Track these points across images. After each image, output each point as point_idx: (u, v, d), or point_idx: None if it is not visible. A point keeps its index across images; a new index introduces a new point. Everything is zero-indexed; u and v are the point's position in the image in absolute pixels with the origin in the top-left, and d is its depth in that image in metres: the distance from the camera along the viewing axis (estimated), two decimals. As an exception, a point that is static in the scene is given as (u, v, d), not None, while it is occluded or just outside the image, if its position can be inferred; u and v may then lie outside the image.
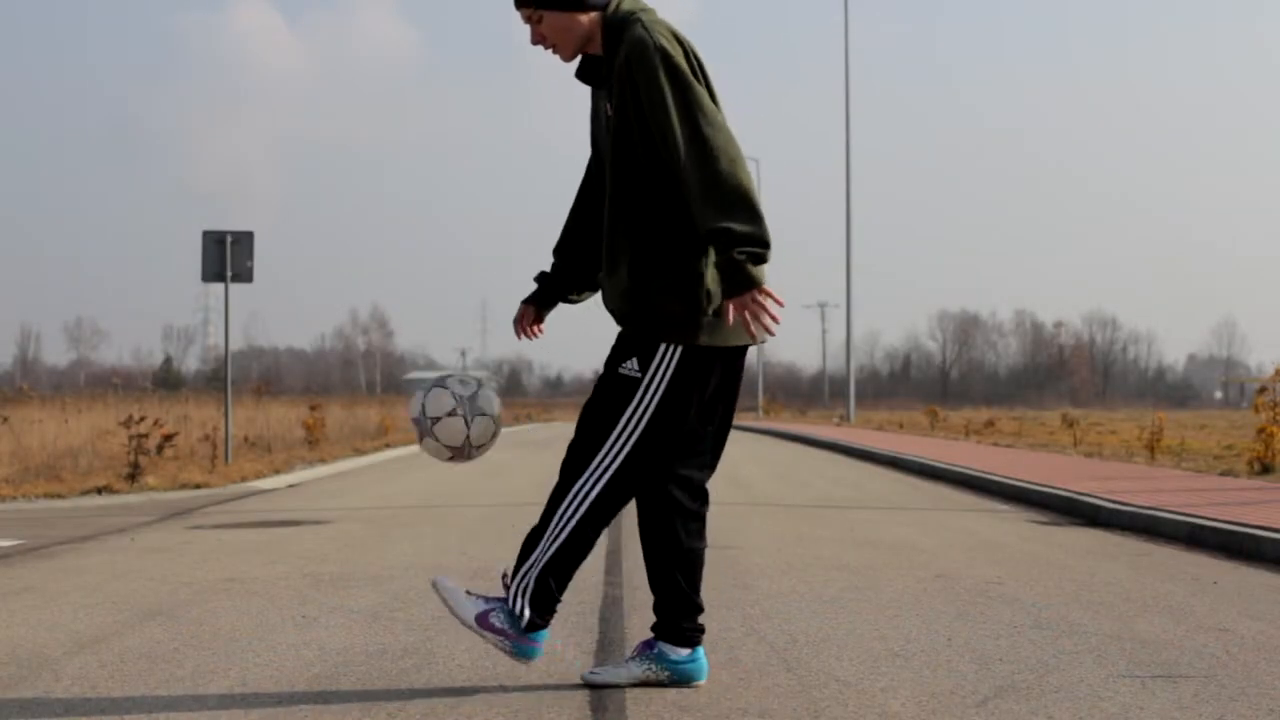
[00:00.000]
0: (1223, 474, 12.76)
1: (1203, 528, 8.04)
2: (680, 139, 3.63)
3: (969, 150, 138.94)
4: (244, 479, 14.22)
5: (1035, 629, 5.04)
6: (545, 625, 3.87)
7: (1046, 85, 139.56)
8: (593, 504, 3.83)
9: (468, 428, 4.00)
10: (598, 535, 3.90)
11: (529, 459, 19.29)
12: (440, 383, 4.08)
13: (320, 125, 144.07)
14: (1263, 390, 13.12)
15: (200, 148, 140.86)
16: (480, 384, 4.10)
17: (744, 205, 3.58)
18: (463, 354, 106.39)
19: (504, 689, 3.99)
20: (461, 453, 4.05)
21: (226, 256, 15.53)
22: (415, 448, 23.77)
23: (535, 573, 3.84)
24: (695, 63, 3.75)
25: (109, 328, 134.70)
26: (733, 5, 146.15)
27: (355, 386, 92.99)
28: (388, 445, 23.42)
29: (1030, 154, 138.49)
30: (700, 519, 4.01)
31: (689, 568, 3.98)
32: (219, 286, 15.84)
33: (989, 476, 12.94)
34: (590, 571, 6.51)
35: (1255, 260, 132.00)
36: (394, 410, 33.30)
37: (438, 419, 4.01)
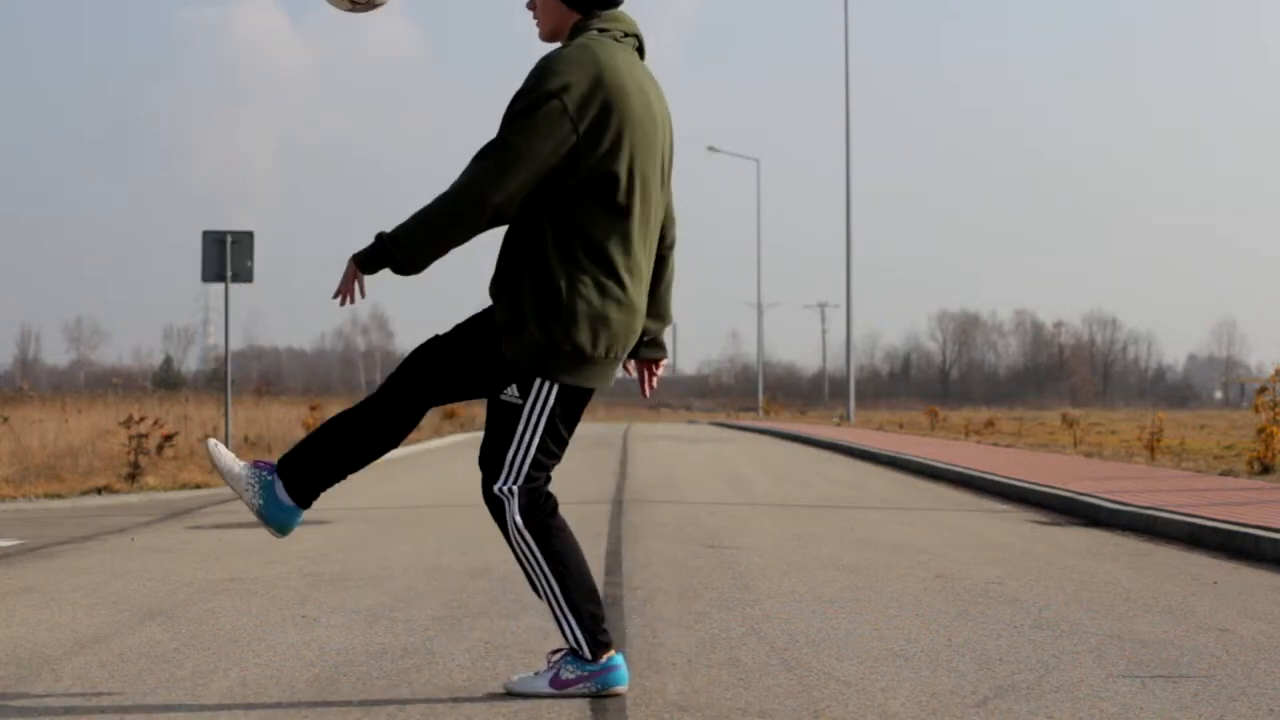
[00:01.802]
0: (1223, 474, 12.76)
1: (1203, 528, 8.04)
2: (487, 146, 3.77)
3: (969, 150, 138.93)
4: (244, 479, 14.21)
5: (1035, 629, 5.04)
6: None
7: (1046, 85, 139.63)
8: (534, 533, 3.89)
9: None
10: (575, 553, 3.93)
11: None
12: None
13: (321, 125, 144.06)
14: (1263, 390, 13.12)
15: (201, 147, 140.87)
16: None
17: (421, 223, 3.77)
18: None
19: (504, 689, 3.99)
20: (357, 4, 4.10)
21: (226, 256, 15.54)
22: (416, 448, 23.77)
23: (570, 612, 3.89)
24: (600, 94, 3.75)
25: (109, 328, 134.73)
26: (733, 5, 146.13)
27: (355, 386, 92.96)
28: (388, 445, 23.39)
29: (1030, 154, 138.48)
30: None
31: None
32: (219, 286, 15.85)
33: (989, 476, 12.94)
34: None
35: (1255, 260, 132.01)
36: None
37: None
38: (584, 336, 3.78)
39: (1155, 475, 12.68)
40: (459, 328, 3.97)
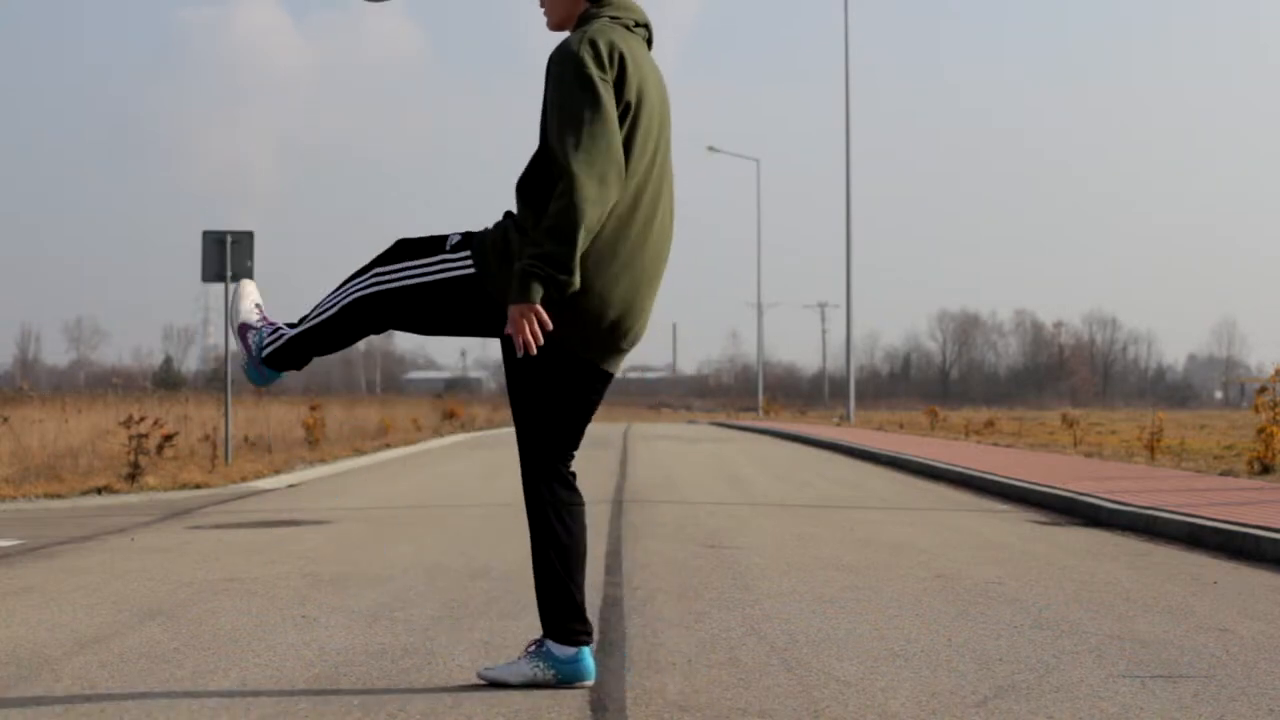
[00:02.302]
0: (1223, 474, 12.75)
1: (1203, 528, 8.04)
2: (554, 152, 3.75)
3: (969, 150, 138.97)
4: (244, 479, 14.22)
5: (1035, 629, 5.04)
6: (277, 372, 4.17)
7: (1046, 85, 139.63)
8: (351, 303, 4.02)
9: None
10: (347, 332, 4.07)
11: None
12: None
13: (321, 125, 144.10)
14: (1263, 390, 13.11)
15: (201, 147, 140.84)
16: None
17: (562, 231, 3.70)
18: (463, 354, 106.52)
19: (504, 689, 3.99)
20: None
21: (226, 256, 15.53)
22: (416, 448, 23.78)
23: (294, 331, 4.11)
24: (625, 76, 3.80)
25: (109, 328, 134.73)
26: (733, 5, 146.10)
27: (355, 386, 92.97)
28: (388, 445, 23.41)
29: (1030, 154, 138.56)
30: (574, 508, 4.03)
31: (565, 559, 3.99)
32: (219, 286, 15.84)
33: (989, 476, 12.94)
34: (590, 572, 6.50)
35: (1255, 260, 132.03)
36: (394, 410, 33.32)
37: None
38: (593, 311, 3.86)
39: (1155, 475, 12.67)
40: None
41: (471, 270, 3.91)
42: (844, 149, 40.66)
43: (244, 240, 15.62)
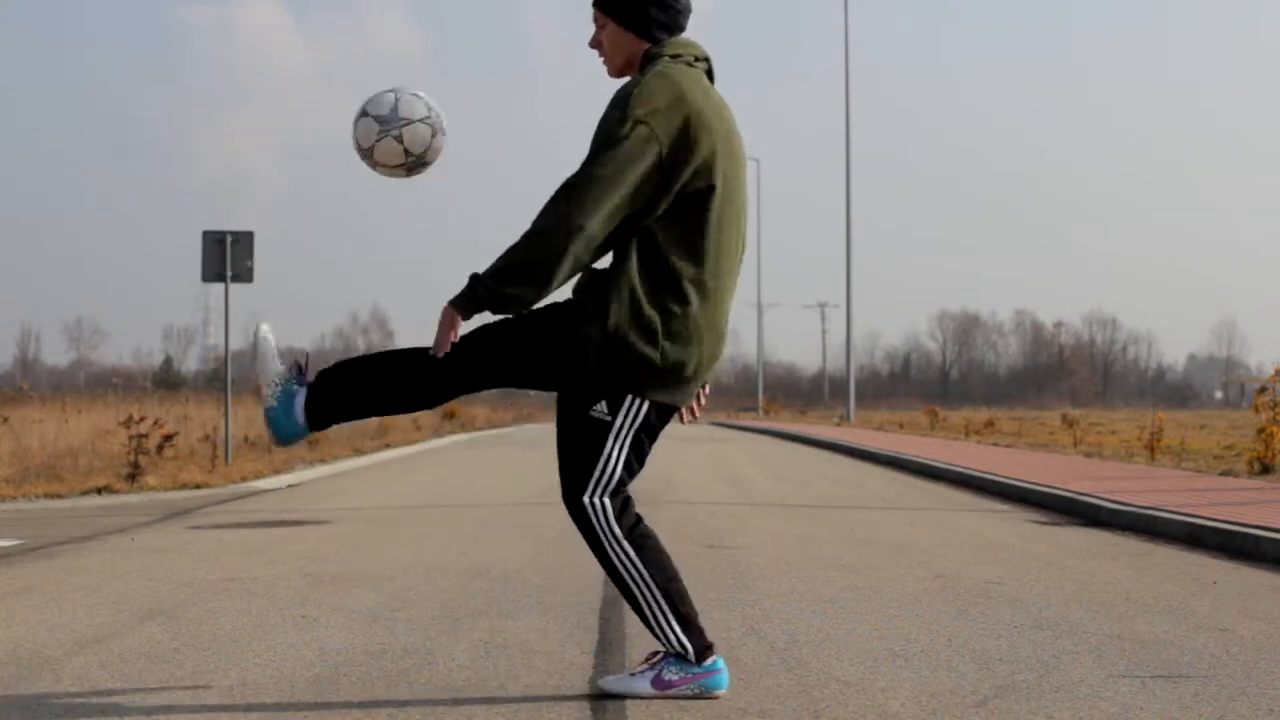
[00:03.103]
0: (1223, 474, 12.76)
1: (1203, 528, 8.04)
2: (566, 188, 3.69)
3: (969, 150, 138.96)
4: (244, 479, 14.22)
5: (1035, 629, 5.04)
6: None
7: (1047, 85, 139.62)
8: (632, 542, 3.86)
9: (401, 143, 3.95)
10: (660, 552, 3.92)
11: (529, 459, 19.30)
12: (361, 113, 3.98)
13: (321, 124, 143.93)
14: (1263, 390, 13.12)
15: (201, 147, 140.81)
16: (398, 96, 3.98)
17: (513, 258, 3.65)
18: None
19: (504, 689, 4.00)
20: (410, 167, 4.00)
21: (226, 256, 15.53)
22: (416, 448, 23.79)
23: (673, 617, 3.88)
24: (681, 120, 3.74)
25: (109, 328, 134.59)
26: (733, 5, 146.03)
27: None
28: (388, 445, 23.42)
29: (1030, 154, 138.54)
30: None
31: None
32: (219, 286, 15.84)
33: (989, 476, 12.94)
34: (591, 572, 6.51)
35: (1255, 260, 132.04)
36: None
37: (370, 148, 3.96)
38: (681, 355, 3.79)
39: (1155, 475, 12.68)
40: (529, 316, 3.89)
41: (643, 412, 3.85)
42: (844, 149, 40.69)
43: (244, 240, 15.62)
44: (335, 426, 4.01)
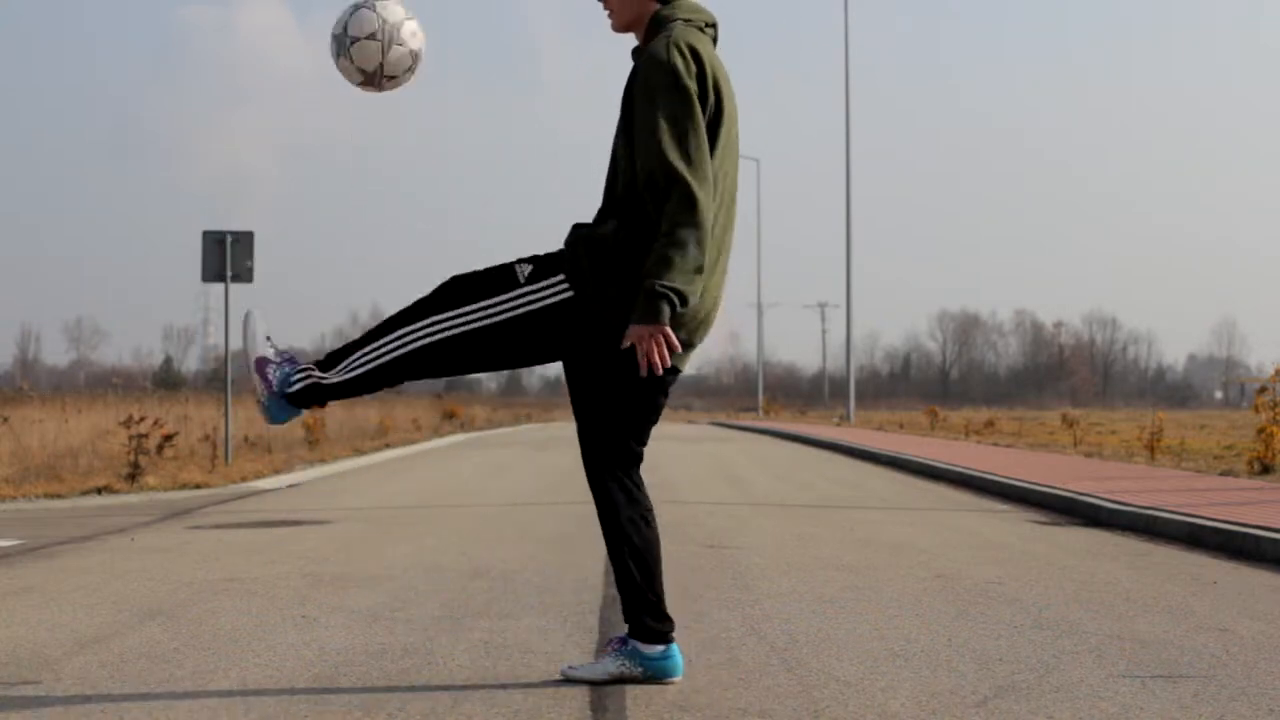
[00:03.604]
0: (1223, 474, 12.75)
1: (1203, 528, 8.04)
2: (660, 163, 3.70)
3: (969, 150, 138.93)
4: (244, 479, 14.22)
5: (1035, 629, 5.04)
6: (299, 410, 4.04)
7: (1047, 85, 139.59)
8: (408, 353, 3.90)
9: (383, 55, 3.98)
10: (395, 379, 3.96)
11: (529, 459, 19.30)
12: (368, 4, 4.00)
13: (321, 124, 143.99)
14: (1263, 390, 13.11)
15: (201, 147, 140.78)
16: (354, 10, 4.01)
17: (689, 250, 3.69)
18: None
19: (504, 689, 4.00)
20: (372, 80, 4.03)
21: (226, 256, 15.53)
22: (416, 448, 23.79)
23: (333, 379, 3.97)
24: (709, 81, 3.81)
25: (109, 328, 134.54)
26: (733, 5, 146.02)
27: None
28: (388, 445, 23.42)
29: (1030, 154, 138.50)
30: (644, 510, 4.02)
31: (641, 562, 4.00)
32: (219, 286, 15.84)
33: (989, 476, 12.94)
34: (590, 572, 6.52)
35: (1255, 260, 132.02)
36: (393, 410, 33.31)
37: (357, 39, 3.98)
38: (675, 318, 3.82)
39: (1155, 475, 12.68)
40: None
41: (564, 297, 3.84)
42: (844, 149, 40.69)
43: (244, 240, 15.62)
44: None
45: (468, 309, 3.88)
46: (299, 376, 4.01)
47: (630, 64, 3.97)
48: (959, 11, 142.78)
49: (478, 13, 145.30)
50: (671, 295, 3.69)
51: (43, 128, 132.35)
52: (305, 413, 4.11)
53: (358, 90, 4.10)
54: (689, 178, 3.70)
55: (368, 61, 3.99)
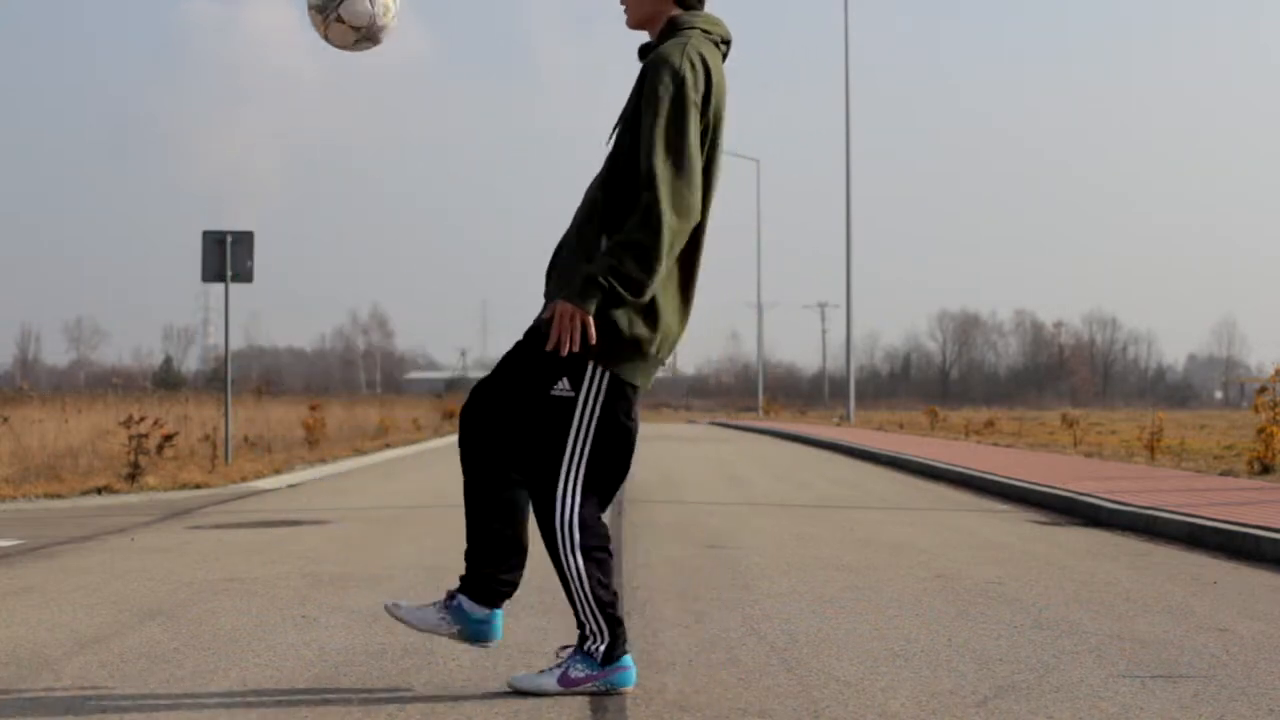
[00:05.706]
0: (1223, 474, 12.76)
1: (1203, 528, 8.04)
2: (644, 166, 3.70)
3: (969, 150, 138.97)
4: (244, 479, 14.22)
5: (1035, 629, 5.04)
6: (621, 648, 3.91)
7: (1047, 85, 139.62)
8: (578, 531, 3.94)
9: (344, 22, 3.98)
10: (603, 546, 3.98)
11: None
12: (307, 6, 4.00)
13: (320, 124, 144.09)
14: (1263, 390, 13.12)
15: (201, 147, 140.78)
16: None
17: (647, 257, 3.67)
18: (463, 354, 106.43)
19: (504, 689, 3.99)
20: (368, 38, 4.03)
21: (226, 256, 15.52)
22: (416, 448, 23.78)
23: (592, 611, 3.91)
24: (712, 104, 3.82)
25: (109, 328, 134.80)
26: (733, 5, 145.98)
27: (355, 386, 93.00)
28: (388, 445, 23.42)
29: (1030, 154, 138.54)
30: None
31: (508, 513, 3.99)
32: (219, 286, 15.84)
33: (989, 476, 12.94)
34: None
35: (1255, 260, 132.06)
36: (394, 410, 33.31)
37: (326, 36, 3.99)
38: (644, 330, 3.78)
39: (1155, 475, 12.68)
40: (501, 368, 3.93)
41: (606, 378, 3.82)
42: (844, 149, 40.69)
43: (244, 240, 15.61)
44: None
45: (564, 457, 3.89)
46: (597, 641, 3.90)
47: (636, 61, 3.97)
48: (959, 11, 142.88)
49: (479, 13, 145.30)
50: (608, 290, 3.66)
51: (43, 128, 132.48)
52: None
53: (348, 53, 4.09)
54: (663, 192, 3.67)
55: (360, 18, 4.00)
